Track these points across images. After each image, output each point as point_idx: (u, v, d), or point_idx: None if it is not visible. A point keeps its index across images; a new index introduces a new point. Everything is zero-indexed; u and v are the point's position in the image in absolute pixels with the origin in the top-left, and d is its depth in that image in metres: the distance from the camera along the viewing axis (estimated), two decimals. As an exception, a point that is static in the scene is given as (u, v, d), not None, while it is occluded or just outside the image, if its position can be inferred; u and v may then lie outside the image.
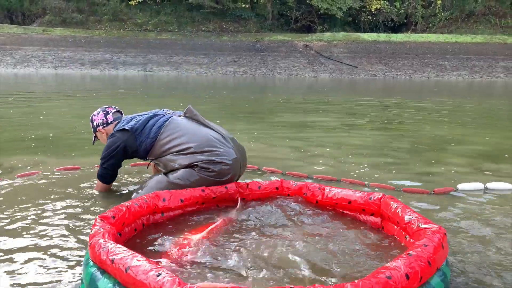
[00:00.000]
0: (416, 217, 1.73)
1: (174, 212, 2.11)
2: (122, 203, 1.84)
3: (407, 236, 1.77)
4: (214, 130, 2.47)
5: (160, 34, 28.80)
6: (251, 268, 1.56)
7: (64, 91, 11.40)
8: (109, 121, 2.68)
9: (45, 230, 2.00)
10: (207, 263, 1.60)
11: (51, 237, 1.93)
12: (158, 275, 1.17)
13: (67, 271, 1.63)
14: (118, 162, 2.54)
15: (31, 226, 2.04)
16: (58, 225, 2.06)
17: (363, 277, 1.36)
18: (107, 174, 2.54)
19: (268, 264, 1.60)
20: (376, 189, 2.75)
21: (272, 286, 1.37)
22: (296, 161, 3.56)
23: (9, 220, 2.12)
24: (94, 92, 10.02)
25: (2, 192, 2.55)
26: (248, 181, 2.51)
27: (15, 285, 1.51)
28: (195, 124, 2.48)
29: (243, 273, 1.53)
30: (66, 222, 2.11)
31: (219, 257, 1.64)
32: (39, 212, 2.23)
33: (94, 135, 2.78)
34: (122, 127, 2.50)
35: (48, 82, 15.59)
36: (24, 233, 1.97)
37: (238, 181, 2.45)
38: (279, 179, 2.43)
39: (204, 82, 17.56)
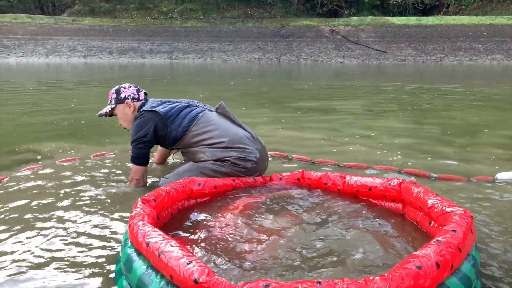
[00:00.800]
0: (439, 200, 1.66)
1: (207, 197, 2.15)
2: (161, 187, 1.88)
3: (431, 221, 1.72)
4: (243, 128, 2.54)
5: (185, 21, 28.91)
6: (278, 258, 1.56)
7: (93, 80, 11.66)
8: (140, 98, 2.62)
9: (86, 211, 2.09)
10: (235, 252, 1.60)
11: (92, 216, 2.01)
12: (188, 263, 1.17)
13: (105, 250, 1.68)
14: (150, 144, 2.46)
15: (75, 206, 2.13)
16: (99, 207, 2.14)
17: (389, 266, 1.33)
18: (141, 154, 2.43)
19: (290, 254, 1.58)
20: (412, 177, 2.66)
21: (298, 278, 1.36)
22: (326, 149, 3.49)
23: (54, 199, 2.22)
24: (122, 80, 10.17)
25: (46, 176, 2.64)
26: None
27: (56, 261, 1.58)
28: (226, 121, 2.53)
29: (270, 262, 1.53)
30: (106, 204, 2.18)
31: (245, 246, 1.64)
32: (80, 195, 2.31)
33: (112, 106, 2.60)
34: (152, 108, 2.46)
35: (78, 71, 15.97)
36: (68, 212, 2.06)
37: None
38: (300, 170, 2.43)
39: (229, 69, 17.55)
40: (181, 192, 1.96)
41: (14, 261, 1.60)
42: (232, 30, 27.50)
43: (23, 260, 1.58)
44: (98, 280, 1.48)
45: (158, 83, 10.58)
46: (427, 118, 5.44)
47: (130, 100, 2.58)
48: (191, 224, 1.86)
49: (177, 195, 1.93)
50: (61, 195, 2.31)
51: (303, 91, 8.96)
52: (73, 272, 1.52)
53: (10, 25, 27.36)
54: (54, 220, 1.96)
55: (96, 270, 1.55)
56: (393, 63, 21.48)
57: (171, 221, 1.89)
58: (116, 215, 2.04)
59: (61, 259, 1.60)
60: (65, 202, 2.20)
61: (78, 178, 2.62)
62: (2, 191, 2.38)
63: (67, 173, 2.70)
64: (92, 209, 2.12)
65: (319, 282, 1.09)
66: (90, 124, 4.64)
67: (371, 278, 1.13)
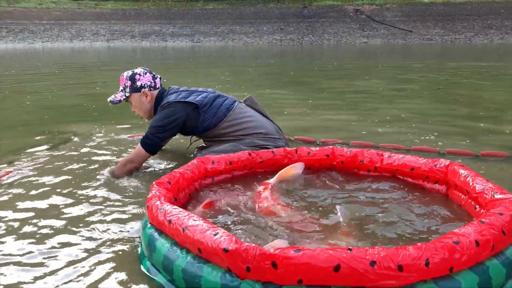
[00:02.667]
0: (490, 186, 1.58)
1: (223, 175, 2.12)
2: (175, 170, 1.86)
3: (477, 206, 1.65)
4: (272, 121, 2.57)
5: (206, 3, 28.74)
6: (304, 231, 1.53)
7: (116, 63, 11.77)
8: (157, 86, 2.51)
9: (111, 190, 2.10)
10: (256, 226, 1.59)
11: (113, 199, 2.01)
12: (215, 234, 1.16)
13: (126, 233, 1.68)
14: (171, 135, 2.45)
15: (94, 191, 2.14)
16: (122, 188, 2.14)
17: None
18: (156, 143, 2.33)
19: (315, 227, 1.56)
20: (459, 160, 2.55)
21: (330, 247, 1.33)
22: (357, 131, 3.37)
23: (85, 179, 2.25)
24: (145, 63, 10.25)
25: (63, 158, 2.68)
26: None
27: (78, 247, 1.59)
28: (257, 113, 2.54)
29: (296, 235, 1.50)
30: (129, 186, 2.18)
31: (266, 221, 1.63)
32: (98, 178, 2.32)
33: (127, 94, 2.46)
34: (184, 99, 2.37)
35: (102, 54, 16.17)
36: (93, 194, 2.07)
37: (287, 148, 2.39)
38: (331, 146, 2.33)
39: (251, 51, 17.41)
40: (196, 173, 1.93)
41: (33, 243, 1.61)
42: (254, 12, 27.19)
43: (42, 245, 1.58)
44: (122, 264, 1.46)
45: (180, 66, 10.59)
46: (457, 97, 5.26)
47: (147, 89, 2.45)
48: (209, 203, 1.84)
49: (192, 175, 1.90)
50: (81, 176, 2.32)
51: (328, 72, 8.80)
52: (95, 257, 1.50)
53: (36, 11, 27.86)
54: (72, 205, 1.95)
55: (119, 253, 1.53)
56: (419, 43, 20.82)
57: (189, 201, 1.87)
58: (136, 197, 2.04)
59: (82, 245, 1.59)
60: (84, 185, 2.19)
61: (100, 158, 2.63)
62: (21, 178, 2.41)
63: (90, 154, 2.72)
64: (109, 194, 2.10)
65: (349, 249, 1.07)
66: (118, 106, 4.67)
67: (403, 246, 1.10)
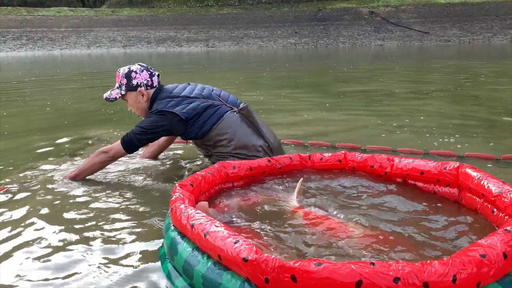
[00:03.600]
0: (507, 189, 1.54)
1: (243, 181, 2.13)
2: (197, 172, 1.87)
3: (495, 209, 1.60)
4: (263, 138, 2.41)
5: (221, 8, 28.94)
6: (323, 241, 1.50)
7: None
8: (154, 84, 2.42)
9: (131, 193, 2.13)
10: (275, 235, 1.56)
11: (136, 202, 2.03)
12: (235, 242, 1.15)
13: (148, 235, 1.69)
14: (153, 140, 2.40)
15: (115, 194, 2.16)
16: (143, 191, 2.17)
17: (447, 253, 1.24)
18: (135, 145, 2.29)
19: (335, 238, 1.52)
20: (478, 164, 2.50)
21: (347, 261, 1.29)
22: (375, 134, 3.32)
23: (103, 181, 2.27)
24: (160, 69, 10.35)
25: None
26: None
27: (100, 246, 1.60)
28: (246, 127, 2.39)
29: (315, 245, 1.47)
30: (150, 189, 2.22)
31: (285, 229, 1.60)
32: (127, 177, 2.37)
33: (122, 92, 2.39)
34: (173, 110, 2.29)
35: (119, 60, 16.41)
36: (114, 195, 2.10)
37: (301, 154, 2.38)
38: (343, 151, 2.32)
39: (265, 55, 17.43)
40: (217, 176, 1.95)
41: (58, 245, 1.63)
42: (268, 16, 27.25)
43: (65, 247, 1.61)
44: (143, 265, 1.49)
45: (195, 71, 10.66)
46: (476, 99, 5.14)
47: (143, 88, 2.37)
48: (228, 207, 1.85)
49: (213, 179, 1.92)
50: (102, 178, 2.36)
51: (343, 75, 8.73)
52: (117, 257, 1.53)
53: (54, 19, 28.49)
54: (94, 206, 1.99)
55: (140, 254, 1.55)
56: (436, 44, 20.52)
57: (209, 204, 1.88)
58: (158, 199, 2.06)
59: (103, 245, 1.62)
60: (106, 189, 2.23)
61: (120, 161, 2.65)
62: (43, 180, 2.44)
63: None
64: (132, 194, 2.14)
65: (372, 263, 1.03)
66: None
67: (428, 262, 1.05)
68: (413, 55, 14.99)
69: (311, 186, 2.03)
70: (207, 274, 1.20)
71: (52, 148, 3.15)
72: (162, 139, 2.68)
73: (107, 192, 2.16)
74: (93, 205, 2.00)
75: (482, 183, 1.66)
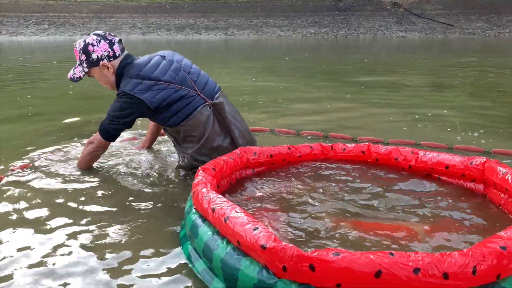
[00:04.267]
0: None
1: (263, 167, 2.15)
2: (219, 157, 1.88)
3: None
4: (233, 138, 2.20)
5: (241, -4, 28.70)
6: (342, 230, 1.50)
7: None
8: (117, 54, 2.18)
9: (151, 180, 2.16)
10: (294, 223, 1.57)
11: (156, 185, 2.08)
12: (254, 229, 1.15)
13: (168, 218, 1.72)
14: (128, 127, 2.20)
15: (134, 178, 2.21)
16: (162, 177, 2.20)
17: (467, 246, 1.22)
18: (113, 134, 2.17)
19: (355, 227, 1.52)
20: (507, 160, 2.44)
21: (370, 251, 1.29)
22: (396, 128, 3.27)
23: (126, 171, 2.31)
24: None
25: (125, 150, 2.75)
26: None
27: (123, 230, 1.63)
28: (218, 127, 2.17)
29: (333, 234, 1.47)
30: (168, 174, 2.24)
31: (304, 218, 1.60)
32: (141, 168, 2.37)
33: (85, 70, 2.19)
34: (139, 96, 2.06)
35: (138, 46, 16.50)
36: (133, 184, 2.13)
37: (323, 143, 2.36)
38: (366, 143, 2.29)
39: (284, 44, 17.27)
40: (238, 162, 1.97)
41: (80, 231, 1.66)
42: (288, 5, 26.92)
43: (87, 230, 1.64)
44: (163, 245, 1.51)
45: (213, 59, 10.65)
46: (501, 94, 5.00)
47: (105, 61, 2.15)
48: (249, 194, 1.86)
49: (235, 164, 1.93)
50: (121, 168, 2.38)
51: (364, 66, 8.60)
52: (137, 238, 1.56)
53: (76, 4, 28.76)
54: (114, 191, 2.03)
55: (160, 235, 1.58)
56: (460, 37, 19.99)
57: (230, 190, 1.90)
58: (175, 182, 2.09)
59: (124, 226, 1.65)
60: (126, 174, 2.27)
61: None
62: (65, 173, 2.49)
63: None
64: (153, 178, 2.18)
65: (391, 253, 1.02)
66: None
67: (448, 253, 1.04)
68: (436, 48, 14.64)
69: (331, 186, 1.96)
70: (226, 259, 1.21)
71: (76, 130, 3.22)
72: (154, 125, 2.59)
73: (121, 178, 2.20)
74: (107, 189, 2.04)
75: (506, 177, 1.64)
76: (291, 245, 1.06)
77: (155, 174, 2.25)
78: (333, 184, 1.95)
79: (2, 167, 2.33)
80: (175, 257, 1.43)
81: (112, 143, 2.29)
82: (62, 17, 27.03)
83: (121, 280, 1.31)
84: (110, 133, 2.16)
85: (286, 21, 24.97)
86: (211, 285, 1.25)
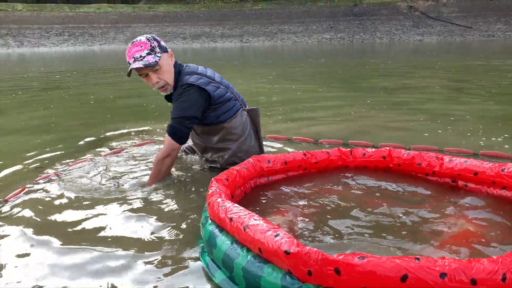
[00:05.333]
0: None
1: (278, 175, 2.11)
2: (232, 167, 1.88)
3: None
4: (260, 145, 2.45)
5: (255, 4, 28.90)
6: (364, 235, 1.48)
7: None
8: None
9: (166, 193, 2.14)
10: (313, 228, 1.56)
11: (172, 196, 2.06)
12: (276, 235, 1.15)
13: (185, 228, 1.72)
14: (197, 118, 2.20)
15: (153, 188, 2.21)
16: (179, 185, 2.20)
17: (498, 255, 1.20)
18: (186, 134, 2.18)
19: (377, 231, 1.50)
20: None
21: (397, 255, 1.27)
22: (418, 133, 3.21)
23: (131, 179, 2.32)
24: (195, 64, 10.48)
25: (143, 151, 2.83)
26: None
27: (140, 240, 1.65)
28: (251, 130, 2.39)
29: (355, 238, 1.46)
30: (184, 185, 2.24)
31: (323, 222, 1.59)
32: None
33: (159, 55, 2.13)
34: (206, 88, 2.18)
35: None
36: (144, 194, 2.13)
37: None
38: (388, 148, 2.23)
39: (300, 50, 17.28)
40: (252, 171, 1.95)
41: (99, 238, 1.69)
42: (303, 11, 26.98)
43: (104, 238, 1.66)
44: (182, 257, 1.50)
45: (229, 66, 10.73)
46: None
47: (170, 51, 2.24)
48: (264, 202, 1.85)
49: (248, 173, 1.92)
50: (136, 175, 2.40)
51: (381, 71, 8.53)
52: (156, 250, 1.56)
53: (95, 15, 29.43)
54: (132, 200, 2.01)
55: (178, 247, 1.57)
56: (479, 40, 19.64)
57: (244, 199, 1.88)
58: (191, 195, 2.08)
59: (142, 238, 1.65)
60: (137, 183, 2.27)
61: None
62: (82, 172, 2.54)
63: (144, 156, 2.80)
64: (168, 190, 2.16)
65: (417, 258, 1.01)
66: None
67: (476, 259, 1.03)
68: (455, 51, 14.43)
69: (350, 192, 1.97)
70: (248, 267, 1.20)
71: (98, 140, 3.25)
72: None
73: (139, 190, 2.16)
74: (121, 201, 2.04)
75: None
76: (315, 249, 1.05)
77: (176, 184, 2.24)
78: (353, 190, 1.93)
79: (19, 178, 2.39)
80: (195, 267, 1.42)
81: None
82: (81, 28, 27.69)
83: None
84: (186, 134, 2.17)
85: (301, 27, 25.01)
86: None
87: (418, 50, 15.41)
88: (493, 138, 2.93)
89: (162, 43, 2.20)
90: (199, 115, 2.19)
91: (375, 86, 6.18)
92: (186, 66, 2.30)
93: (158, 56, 2.12)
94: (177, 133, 2.15)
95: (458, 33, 21.39)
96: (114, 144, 3.11)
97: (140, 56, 2.11)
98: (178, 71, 2.25)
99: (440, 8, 24.60)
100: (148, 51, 2.13)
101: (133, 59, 2.11)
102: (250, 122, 2.39)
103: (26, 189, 2.16)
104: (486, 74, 7.26)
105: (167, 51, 2.19)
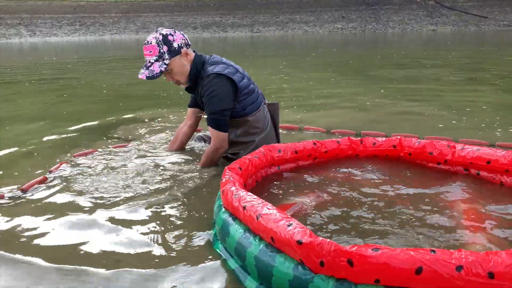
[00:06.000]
0: None
1: (289, 164, 2.11)
2: (244, 156, 1.88)
3: None
4: (278, 137, 2.46)
5: (266, -7, 28.63)
6: (377, 224, 1.47)
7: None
8: (189, 43, 2.28)
9: (178, 180, 2.14)
10: (323, 218, 1.55)
11: (185, 185, 2.06)
12: (289, 225, 1.14)
13: (198, 217, 1.71)
14: (231, 107, 2.23)
15: (163, 178, 2.21)
16: (192, 174, 2.18)
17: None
18: (226, 121, 2.22)
19: (402, 226, 1.48)
20: None
21: (409, 247, 1.26)
22: (433, 124, 3.16)
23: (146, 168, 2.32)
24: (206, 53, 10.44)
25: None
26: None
27: (154, 228, 1.65)
28: (271, 126, 2.40)
29: (368, 229, 1.44)
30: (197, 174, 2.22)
31: (334, 213, 1.58)
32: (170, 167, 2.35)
33: (166, 62, 2.17)
34: (233, 78, 2.19)
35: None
36: (156, 183, 2.13)
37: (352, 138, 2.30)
38: (398, 137, 2.21)
39: (311, 40, 17.11)
40: (263, 160, 1.95)
41: (113, 229, 1.70)
42: (314, 0, 26.66)
43: (121, 228, 1.66)
44: (195, 245, 1.50)
45: (239, 56, 10.68)
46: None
47: (185, 48, 2.21)
48: (275, 191, 1.85)
49: (260, 162, 1.92)
50: (150, 167, 2.38)
51: (394, 61, 8.41)
52: (170, 238, 1.55)
53: (105, 4, 29.46)
54: (143, 190, 2.00)
55: (192, 235, 1.57)
56: (495, 29, 19.24)
57: (256, 188, 1.88)
58: (205, 183, 2.07)
59: (156, 227, 1.65)
60: (153, 173, 2.25)
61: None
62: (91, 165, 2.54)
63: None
64: (182, 178, 2.15)
65: (433, 251, 0.99)
66: (186, 94, 4.83)
67: (494, 251, 1.00)
68: (469, 41, 14.15)
69: (360, 182, 1.95)
70: (260, 256, 1.20)
71: (114, 129, 3.24)
72: (188, 127, 2.56)
73: (151, 180, 2.14)
74: (135, 192, 2.04)
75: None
76: (328, 239, 1.04)
77: (185, 175, 2.22)
78: (364, 180, 1.91)
79: (41, 170, 2.40)
80: (209, 254, 1.42)
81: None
82: (92, 18, 27.76)
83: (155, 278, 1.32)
84: (222, 122, 2.20)
85: (312, 17, 24.76)
86: (244, 283, 1.25)
87: (432, 40, 15.16)
88: (510, 130, 2.88)
89: (175, 44, 2.18)
90: (232, 104, 2.23)
91: (388, 76, 6.10)
92: (212, 57, 2.32)
93: (165, 64, 2.17)
94: (220, 123, 2.21)
95: (473, 23, 20.96)
96: (129, 131, 3.11)
97: (149, 62, 2.20)
98: (202, 61, 2.27)
99: (455, -3, 24.10)
100: (156, 57, 2.18)
101: (144, 63, 2.23)
102: (270, 118, 2.39)
103: (45, 179, 2.16)
104: (502, 64, 7.12)
105: (179, 53, 2.20)
